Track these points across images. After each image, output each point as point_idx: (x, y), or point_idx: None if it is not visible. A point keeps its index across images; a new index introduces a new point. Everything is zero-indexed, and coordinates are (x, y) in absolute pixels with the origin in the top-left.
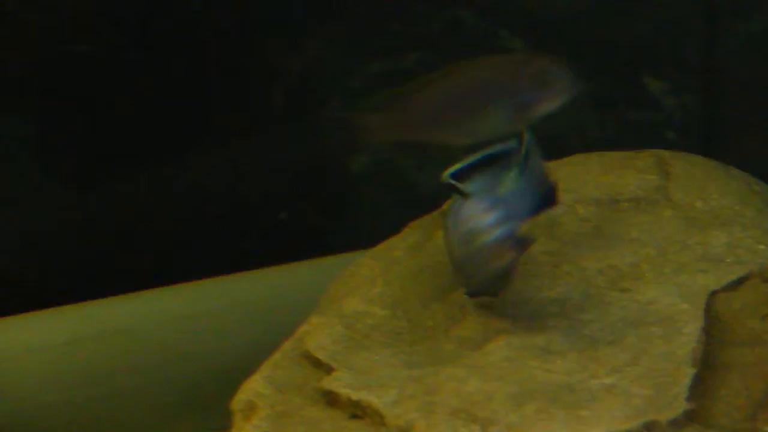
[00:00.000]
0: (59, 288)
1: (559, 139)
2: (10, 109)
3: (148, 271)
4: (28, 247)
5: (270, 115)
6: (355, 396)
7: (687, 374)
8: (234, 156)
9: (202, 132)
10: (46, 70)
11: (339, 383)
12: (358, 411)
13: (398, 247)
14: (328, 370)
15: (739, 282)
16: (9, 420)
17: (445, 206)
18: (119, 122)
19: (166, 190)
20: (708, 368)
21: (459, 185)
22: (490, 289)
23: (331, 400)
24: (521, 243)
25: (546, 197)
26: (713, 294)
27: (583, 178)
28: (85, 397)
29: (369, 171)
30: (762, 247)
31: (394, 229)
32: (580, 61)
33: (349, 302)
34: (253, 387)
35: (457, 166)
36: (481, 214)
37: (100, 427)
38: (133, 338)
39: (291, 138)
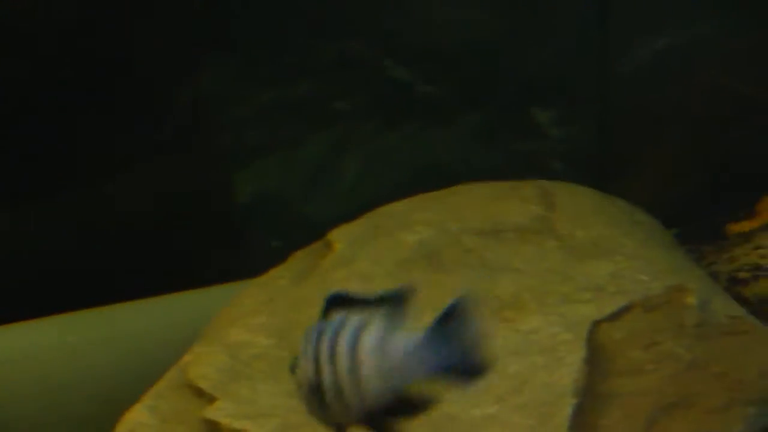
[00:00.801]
0: None
1: (445, 167)
2: None
3: (29, 301)
4: None
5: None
6: (236, 425)
7: (569, 404)
8: (122, 184)
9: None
10: None
11: (221, 413)
12: None
13: (283, 276)
14: (211, 399)
15: (621, 312)
16: None
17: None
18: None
19: (49, 219)
20: (590, 398)
21: None
22: None
23: (213, 429)
24: None
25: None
26: (596, 324)
27: (468, 207)
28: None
29: (254, 201)
30: (644, 277)
31: (280, 258)
32: (469, 90)
33: (233, 332)
34: (136, 417)
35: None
36: None
37: None
38: (14, 368)
39: (178, 168)
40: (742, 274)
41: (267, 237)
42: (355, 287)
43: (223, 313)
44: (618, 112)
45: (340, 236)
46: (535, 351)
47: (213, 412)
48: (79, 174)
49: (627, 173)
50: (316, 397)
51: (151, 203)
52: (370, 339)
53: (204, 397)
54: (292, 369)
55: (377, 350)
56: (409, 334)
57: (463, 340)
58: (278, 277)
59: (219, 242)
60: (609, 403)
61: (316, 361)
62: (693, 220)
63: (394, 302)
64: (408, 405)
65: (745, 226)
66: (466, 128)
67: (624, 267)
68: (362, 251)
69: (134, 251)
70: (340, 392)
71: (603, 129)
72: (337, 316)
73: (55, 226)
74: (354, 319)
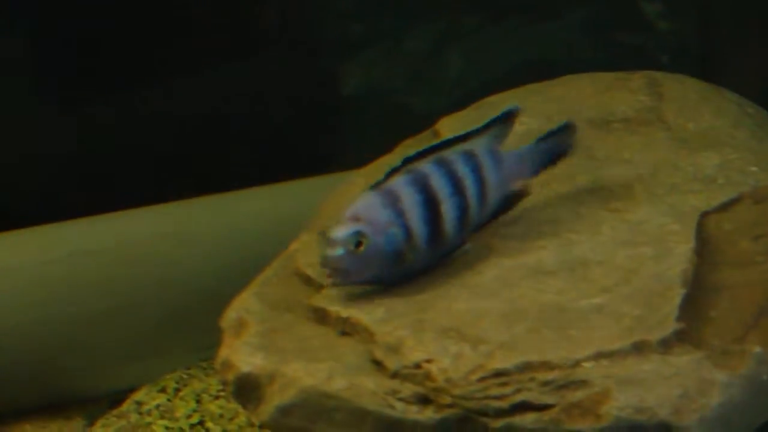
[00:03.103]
0: (40, 207)
1: (550, 60)
2: None
3: (131, 190)
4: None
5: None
6: (344, 313)
7: (677, 295)
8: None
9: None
10: None
11: (329, 300)
12: (347, 328)
13: (392, 164)
14: (318, 287)
15: (730, 203)
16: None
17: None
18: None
19: (147, 111)
20: (698, 289)
21: None
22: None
23: (321, 317)
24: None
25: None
26: (704, 215)
27: (575, 98)
28: (71, 316)
29: (360, 93)
30: (754, 168)
31: (386, 148)
32: None
33: None
34: (243, 304)
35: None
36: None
37: (89, 346)
38: (120, 257)
39: (284, 60)
40: None
41: (373, 127)
42: None
43: (330, 201)
44: (724, 5)
45: (449, 125)
46: (644, 241)
47: (321, 300)
48: (186, 64)
49: (734, 66)
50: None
51: (261, 95)
52: (487, 159)
53: (312, 284)
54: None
55: (495, 166)
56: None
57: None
58: (386, 166)
59: (327, 132)
60: (718, 294)
61: (428, 203)
62: None
63: (498, 124)
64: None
65: None
66: (572, 21)
67: (733, 158)
68: None
69: (244, 141)
70: (463, 218)
71: (709, 22)
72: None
73: (164, 114)
74: (453, 155)
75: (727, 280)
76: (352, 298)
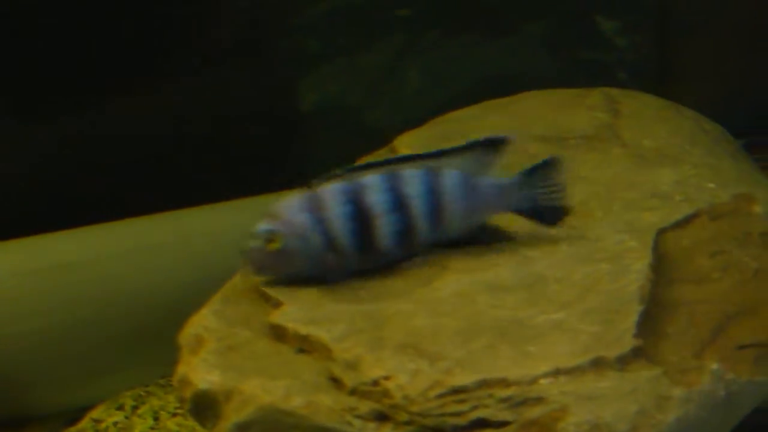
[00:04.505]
0: (10, 222)
1: (509, 76)
2: None
3: (99, 205)
4: None
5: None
6: (302, 330)
7: (635, 311)
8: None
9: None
10: None
11: (287, 317)
12: (306, 345)
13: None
14: (276, 304)
15: (687, 220)
16: None
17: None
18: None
19: (121, 124)
20: (656, 306)
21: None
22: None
23: (279, 334)
24: None
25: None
26: (662, 231)
27: (534, 114)
28: (28, 331)
29: (317, 109)
30: (711, 185)
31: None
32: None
33: None
34: (202, 321)
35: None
36: None
37: (46, 362)
38: (79, 273)
39: (242, 75)
40: None
41: (331, 143)
42: None
43: None
44: (682, 21)
45: (406, 142)
46: (601, 258)
47: (279, 317)
48: (140, 81)
49: (691, 82)
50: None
51: (217, 110)
52: (451, 181)
53: (270, 302)
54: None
55: (463, 191)
56: (496, 178)
57: (546, 189)
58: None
59: (284, 147)
60: (675, 310)
61: (356, 215)
62: (759, 131)
63: (479, 149)
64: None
65: None
66: (531, 37)
67: (690, 175)
68: None
69: (198, 157)
70: (406, 234)
71: (667, 38)
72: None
73: (124, 130)
74: (409, 172)
75: (684, 297)
76: (311, 316)
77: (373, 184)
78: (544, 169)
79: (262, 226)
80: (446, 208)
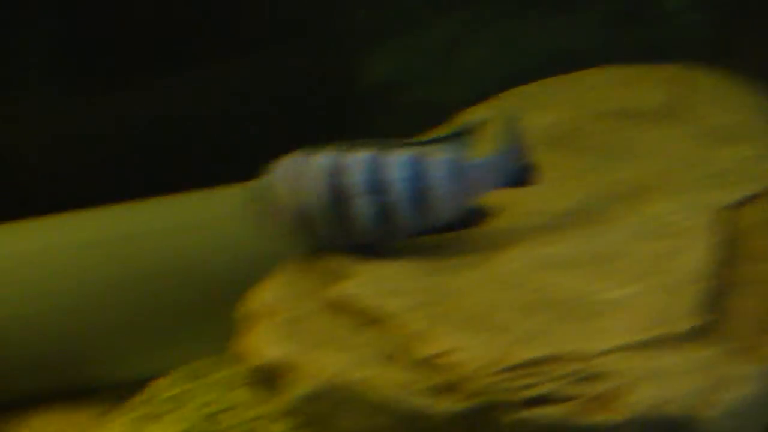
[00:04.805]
0: (75, 193)
1: (573, 53)
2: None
3: (167, 179)
4: (47, 154)
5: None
6: (367, 303)
7: (698, 289)
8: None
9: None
10: None
11: (351, 291)
12: (369, 318)
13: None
14: (340, 277)
15: (751, 198)
16: (17, 323)
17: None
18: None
19: (184, 96)
20: (720, 283)
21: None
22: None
23: (342, 307)
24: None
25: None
26: (727, 209)
27: (599, 90)
28: (92, 305)
29: (381, 85)
30: None
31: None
32: None
33: None
34: (265, 294)
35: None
36: None
37: (109, 335)
38: (143, 246)
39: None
40: None
41: (394, 119)
42: None
43: None
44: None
45: (471, 117)
46: (666, 235)
47: (343, 290)
48: (202, 58)
49: (756, 60)
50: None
51: (283, 86)
52: (439, 168)
53: (333, 275)
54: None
55: (450, 176)
56: (476, 159)
57: (520, 159)
58: None
59: (346, 124)
60: (739, 288)
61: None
62: None
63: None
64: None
65: None
66: (596, 14)
67: (756, 153)
68: None
69: (261, 133)
70: (384, 217)
71: (731, 15)
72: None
73: (185, 106)
74: (393, 157)
75: (747, 275)
76: (375, 289)
77: (355, 164)
78: (514, 138)
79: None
80: (433, 193)
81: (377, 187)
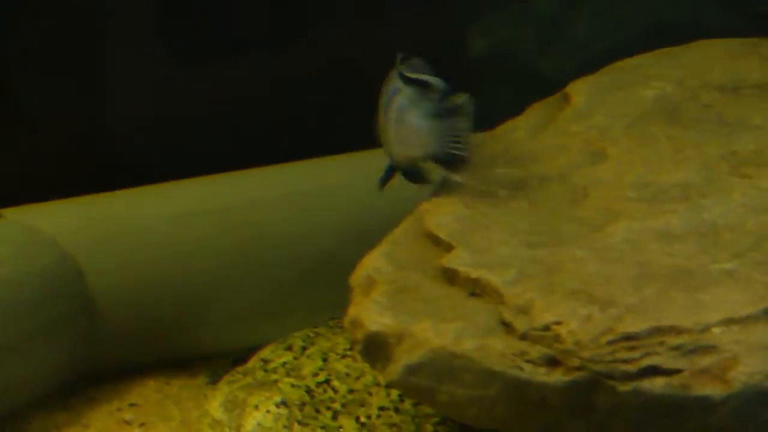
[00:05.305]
0: (167, 165)
1: (679, 25)
2: None
3: (257, 150)
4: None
5: None
6: (474, 274)
7: None
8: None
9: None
10: None
11: (459, 261)
12: (477, 289)
13: (520, 128)
14: (448, 248)
15: None
16: (110, 294)
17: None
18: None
19: (278, 72)
20: None
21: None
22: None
23: (450, 277)
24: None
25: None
26: None
27: (707, 63)
28: (197, 273)
29: (488, 55)
30: None
31: (514, 111)
32: None
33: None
34: (373, 263)
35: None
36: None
37: (216, 303)
38: (248, 216)
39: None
40: None
41: (502, 89)
42: (592, 140)
43: None
44: None
45: (579, 89)
46: None
47: (451, 261)
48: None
49: None
50: None
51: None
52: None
53: (441, 245)
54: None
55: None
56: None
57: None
58: (515, 128)
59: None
60: None
61: None
62: None
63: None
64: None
65: None
66: None
67: None
68: (600, 105)
69: (363, 104)
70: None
71: None
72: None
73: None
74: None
75: None
76: (483, 260)
77: None
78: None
79: None
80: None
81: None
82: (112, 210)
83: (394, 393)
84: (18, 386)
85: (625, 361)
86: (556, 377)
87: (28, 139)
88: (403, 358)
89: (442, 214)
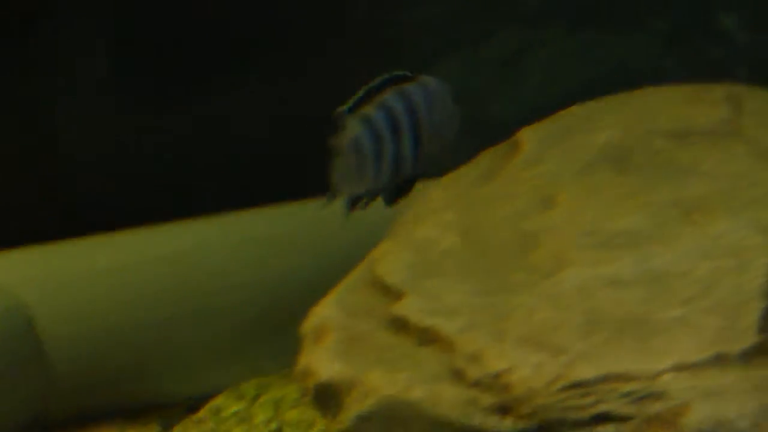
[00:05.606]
0: (116, 213)
1: (630, 71)
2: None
3: (206, 197)
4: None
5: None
6: (425, 322)
7: (758, 307)
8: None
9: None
10: None
11: (409, 309)
12: (427, 337)
13: (469, 175)
14: (399, 295)
15: None
16: (62, 344)
17: None
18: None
19: (232, 116)
20: None
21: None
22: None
23: (401, 325)
24: None
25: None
26: None
27: (656, 110)
28: (150, 320)
29: None
30: None
31: (466, 157)
32: None
33: (421, 229)
34: (324, 311)
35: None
36: None
37: (168, 351)
38: (201, 262)
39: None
40: None
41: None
42: (542, 187)
43: (410, 209)
44: None
45: (529, 136)
46: (724, 254)
47: (401, 308)
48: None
49: None
50: None
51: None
52: None
53: (391, 293)
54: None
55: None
56: None
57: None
58: (465, 176)
59: None
60: None
61: None
62: None
63: None
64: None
65: None
66: (652, 33)
67: None
68: (550, 151)
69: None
70: None
71: None
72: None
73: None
74: None
75: None
76: (433, 307)
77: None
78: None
79: None
80: None
81: None
82: (65, 259)
83: None
84: None
85: (577, 408)
86: (508, 425)
87: None
88: (354, 407)
89: (392, 262)
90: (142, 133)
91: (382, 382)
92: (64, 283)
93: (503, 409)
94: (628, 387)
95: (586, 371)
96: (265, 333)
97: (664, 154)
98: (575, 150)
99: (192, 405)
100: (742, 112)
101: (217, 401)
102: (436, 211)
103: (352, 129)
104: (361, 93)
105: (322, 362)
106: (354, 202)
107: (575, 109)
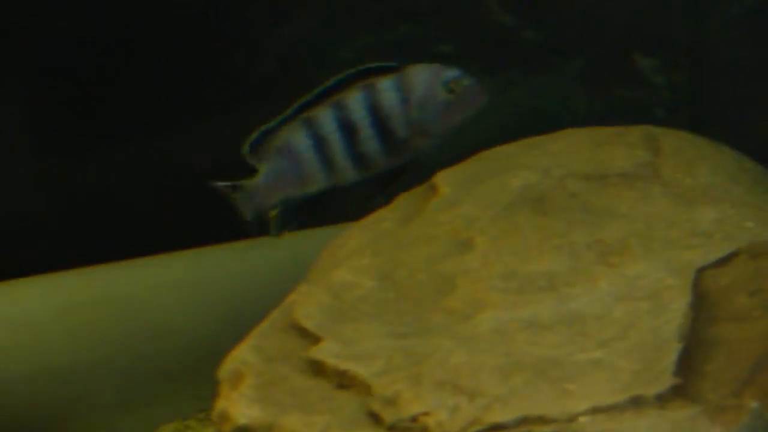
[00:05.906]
0: (49, 255)
1: (548, 113)
2: None
3: (135, 240)
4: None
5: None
6: (342, 366)
7: (674, 349)
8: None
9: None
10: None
11: (326, 353)
12: (344, 381)
13: (387, 218)
14: (316, 340)
15: (727, 258)
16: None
17: None
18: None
19: (157, 158)
20: (695, 344)
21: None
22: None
23: (318, 369)
24: None
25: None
26: (701, 270)
27: (573, 152)
28: (65, 366)
29: None
30: (750, 224)
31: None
32: (571, 36)
33: (338, 273)
34: (241, 356)
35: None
36: None
37: (84, 396)
38: (116, 307)
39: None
40: None
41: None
42: (459, 230)
43: (327, 253)
44: (718, 60)
45: (445, 179)
46: (641, 296)
47: (318, 353)
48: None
49: (729, 120)
50: None
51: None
52: None
53: (308, 337)
54: None
55: None
56: None
57: None
58: (383, 219)
59: None
60: (714, 348)
61: None
62: None
63: None
64: None
65: None
66: (568, 75)
67: (730, 213)
68: (467, 194)
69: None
70: None
71: (703, 76)
72: None
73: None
74: None
75: (723, 335)
76: (350, 351)
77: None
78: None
79: None
80: None
81: None
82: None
83: None
84: None
85: None
86: None
87: None
88: None
89: (309, 305)
90: (46, 179)
91: (300, 426)
92: None
93: None
94: (544, 430)
95: (502, 414)
96: (185, 376)
97: (581, 197)
98: (492, 193)
99: None
100: (660, 154)
101: None
102: (353, 254)
103: (282, 136)
104: (310, 95)
105: (239, 407)
106: (286, 220)
107: (492, 152)
